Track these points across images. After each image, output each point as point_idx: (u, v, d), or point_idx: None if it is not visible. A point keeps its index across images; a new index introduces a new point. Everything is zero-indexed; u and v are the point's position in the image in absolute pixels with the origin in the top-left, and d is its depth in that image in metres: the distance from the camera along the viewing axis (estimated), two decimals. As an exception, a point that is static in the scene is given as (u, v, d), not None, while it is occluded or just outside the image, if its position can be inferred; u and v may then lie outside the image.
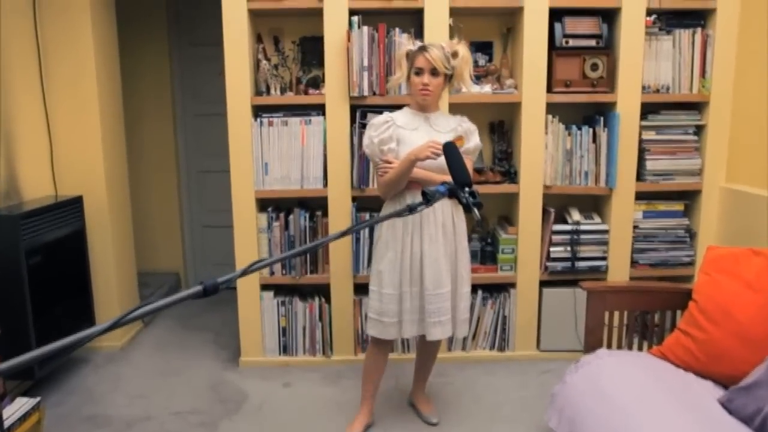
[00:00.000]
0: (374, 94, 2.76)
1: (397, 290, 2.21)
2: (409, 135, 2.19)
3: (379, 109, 2.71)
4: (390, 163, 2.15)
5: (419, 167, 2.14)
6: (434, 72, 2.15)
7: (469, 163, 2.24)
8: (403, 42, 2.36)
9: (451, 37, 2.67)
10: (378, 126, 2.21)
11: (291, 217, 2.87)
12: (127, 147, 3.40)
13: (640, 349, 2.28)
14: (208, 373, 2.94)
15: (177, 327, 3.55)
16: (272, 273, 2.90)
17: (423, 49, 2.16)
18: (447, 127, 2.24)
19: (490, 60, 2.97)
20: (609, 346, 2.18)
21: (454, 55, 2.18)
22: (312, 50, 2.89)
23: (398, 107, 2.42)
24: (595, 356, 2.02)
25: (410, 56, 2.20)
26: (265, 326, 2.95)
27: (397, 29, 2.73)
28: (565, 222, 2.92)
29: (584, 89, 2.80)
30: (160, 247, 4.16)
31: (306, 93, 2.84)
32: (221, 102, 2.78)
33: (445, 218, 2.21)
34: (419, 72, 2.15)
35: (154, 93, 4.04)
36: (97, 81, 2.97)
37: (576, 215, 2.92)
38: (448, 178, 2.13)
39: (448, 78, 2.20)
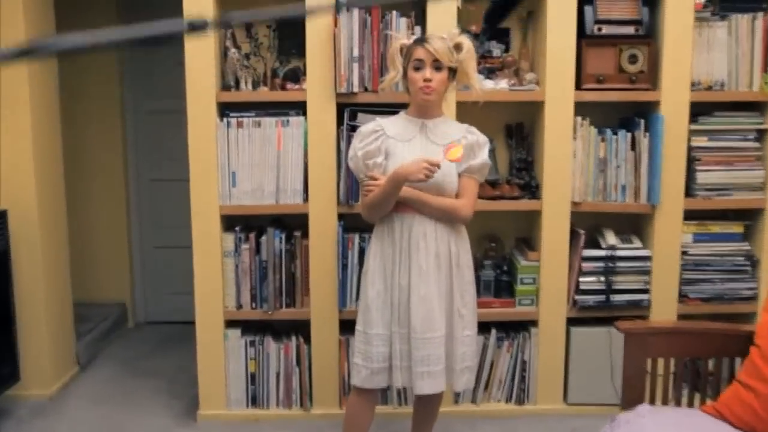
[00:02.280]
0: (366, 90, 2.76)
1: (387, 329, 2.24)
2: (401, 147, 2.21)
3: (371, 109, 2.73)
4: (376, 180, 2.19)
5: (410, 185, 2.17)
6: (437, 65, 2.17)
7: (473, 185, 2.28)
8: (397, 35, 2.39)
9: (459, 22, 2.70)
10: (364, 136, 2.25)
11: (263, 238, 2.88)
12: (64, 150, 3.39)
13: (690, 404, 2.26)
14: (158, 430, 2.91)
15: (121, 372, 3.53)
16: (239, 306, 2.89)
17: (422, 39, 2.19)
18: (448, 137, 2.25)
19: (507, 50, 2.99)
20: (652, 401, 2.16)
21: (457, 47, 2.21)
22: (291, 37, 2.89)
23: (395, 107, 2.45)
24: (634, 413, 2.00)
25: (406, 51, 2.22)
26: (229, 372, 2.94)
27: (394, 13, 2.75)
28: (598, 246, 2.93)
29: (621, 86, 2.81)
30: (102, 272, 4.16)
31: (283, 88, 2.85)
32: (181, 97, 2.80)
33: (440, 246, 2.23)
34: (419, 66, 2.17)
35: (99, 85, 4.05)
36: (27, 70, 2.97)
37: (611, 238, 2.93)
38: (448, 200, 2.18)
39: (452, 74, 2.23)
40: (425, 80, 2.16)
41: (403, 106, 2.38)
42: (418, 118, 2.27)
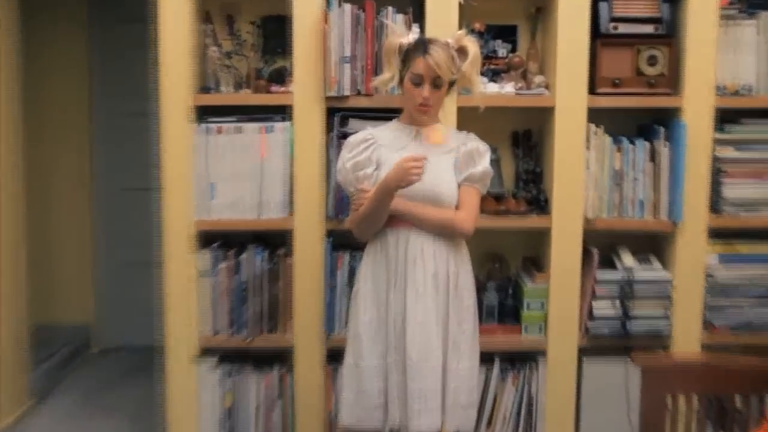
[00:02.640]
0: (358, 93, 2.76)
1: (382, 360, 2.24)
2: (394, 157, 2.21)
3: (364, 114, 2.72)
4: (367, 192, 2.21)
5: (405, 196, 2.18)
6: (437, 83, 2.19)
7: (474, 196, 2.30)
8: (395, 29, 2.40)
9: (461, 19, 2.70)
10: (354, 146, 2.27)
11: (243, 256, 2.86)
12: (24, 154, 3.37)
13: (716, 446, 2.24)
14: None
15: (81, 405, 3.48)
16: (215, 332, 2.86)
17: (423, 49, 2.18)
18: (444, 146, 2.27)
19: (514, 50, 2.99)
20: (674, 442, 2.13)
21: (461, 51, 2.22)
22: (276, 34, 2.90)
23: (390, 112, 2.44)
24: (654, 457, 1.98)
25: (405, 53, 2.23)
26: (202, 406, 2.90)
27: (389, 9, 2.74)
28: (614, 268, 2.91)
29: (639, 90, 2.81)
30: (64, 291, 4.17)
31: (268, 90, 2.84)
32: (155, 98, 2.80)
33: (439, 266, 2.24)
34: (417, 81, 2.19)
35: (66, 84, 4.06)
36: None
37: (628, 259, 2.91)
38: (446, 213, 2.22)
39: (452, 83, 2.26)
40: (424, 98, 2.19)
41: (400, 111, 2.39)
42: (412, 126, 2.29)
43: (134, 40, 3.94)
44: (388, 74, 2.26)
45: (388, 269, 2.23)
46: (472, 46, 2.22)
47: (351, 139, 2.30)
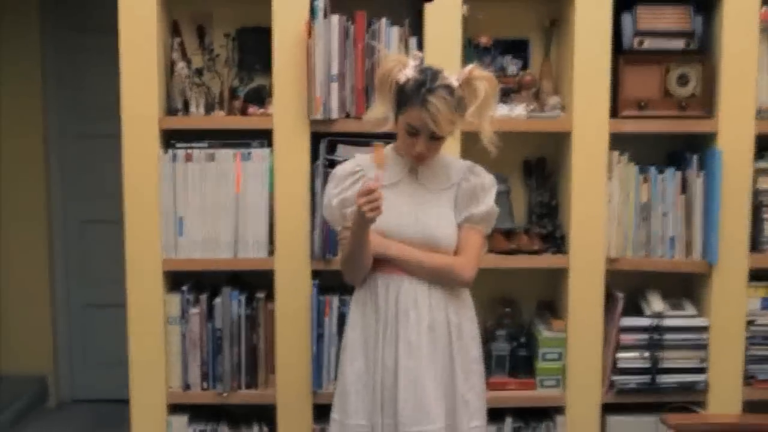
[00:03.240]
0: (347, 116, 2.76)
1: (369, 420, 2.24)
2: (386, 193, 2.17)
3: (355, 140, 2.72)
4: None
5: (397, 238, 2.20)
6: (435, 136, 2.17)
7: (476, 238, 2.29)
8: (386, 53, 2.41)
9: (465, 32, 2.71)
10: (340, 179, 2.28)
11: (218, 300, 2.86)
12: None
13: None
14: None
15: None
16: (186, 387, 2.86)
17: (421, 98, 2.11)
18: (444, 182, 2.28)
19: (525, 67, 2.98)
20: None
21: (468, 86, 2.17)
22: (255, 48, 2.90)
23: (384, 138, 2.41)
24: None
25: (400, 92, 2.18)
26: (172, 471, 2.87)
27: (383, 20, 2.74)
28: (641, 314, 2.92)
29: (668, 113, 2.82)
30: (18, 337, 4.13)
31: (244, 112, 2.85)
32: (118, 118, 2.80)
33: (436, 315, 2.24)
34: (413, 132, 2.17)
35: (17, 100, 4.04)
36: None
37: (657, 303, 2.91)
38: (443, 259, 2.23)
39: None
40: (418, 152, 2.18)
41: (395, 136, 2.36)
42: (408, 158, 2.27)
43: (94, 49, 3.98)
44: (381, 112, 2.25)
45: (378, 319, 2.23)
46: (483, 84, 2.17)
47: (337, 170, 2.31)
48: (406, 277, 2.22)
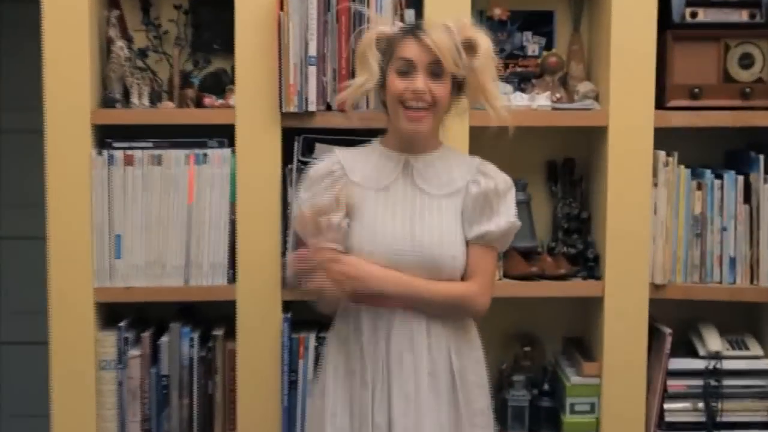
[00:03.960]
0: (329, 108, 2.77)
1: None
2: (372, 200, 2.22)
3: (337, 138, 2.73)
4: (330, 252, 2.17)
5: (385, 260, 2.18)
6: (436, 71, 2.16)
7: (491, 259, 2.29)
8: (374, 16, 2.45)
9: (475, 3, 2.72)
10: (314, 181, 2.29)
11: (164, 339, 2.84)
12: None
13: None
14: None
15: None
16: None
17: (413, 29, 2.20)
18: (447, 184, 2.26)
19: (549, 47, 3.02)
20: None
21: (469, 47, 2.19)
22: (212, 24, 2.92)
23: (375, 135, 2.44)
24: None
25: (386, 43, 2.23)
26: None
27: None
28: (694, 354, 2.90)
29: (727, 103, 2.83)
30: None
31: (199, 104, 2.84)
32: (40, 110, 2.78)
33: (438, 361, 2.22)
34: (406, 69, 2.17)
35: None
36: None
37: (714, 341, 2.88)
38: (453, 288, 2.25)
39: (457, 88, 2.25)
40: (414, 93, 2.15)
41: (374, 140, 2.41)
42: (400, 153, 2.27)
43: (14, 22, 4.03)
44: (363, 77, 2.25)
45: (364, 365, 2.20)
46: (482, 38, 2.20)
47: (311, 171, 2.31)
48: (397, 310, 2.19)
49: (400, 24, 2.29)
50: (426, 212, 2.21)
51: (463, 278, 2.24)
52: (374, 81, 2.24)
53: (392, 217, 2.21)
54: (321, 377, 2.33)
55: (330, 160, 2.31)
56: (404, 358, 2.18)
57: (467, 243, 2.24)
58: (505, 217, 2.24)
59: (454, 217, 2.25)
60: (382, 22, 2.30)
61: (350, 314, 2.25)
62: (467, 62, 2.19)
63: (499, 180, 2.27)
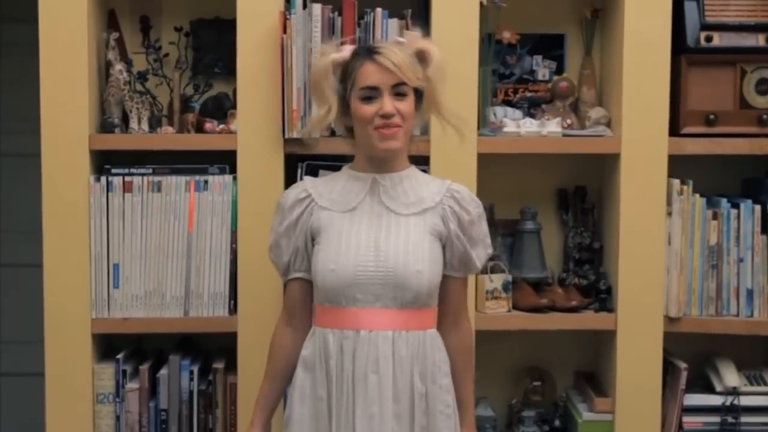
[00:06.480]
0: (333, 134, 2.75)
1: None
2: (338, 222, 2.23)
3: (342, 164, 2.66)
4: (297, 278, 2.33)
5: (351, 280, 2.18)
6: (400, 91, 2.17)
7: (466, 287, 2.35)
8: (325, 50, 2.39)
9: (483, 25, 2.73)
10: (285, 210, 2.30)
11: (163, 371, 2.82)
12: None
13: None
14: None
15: None
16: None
17: (368, 51, 2.20)
18: (415, 203, 2.26)
19: (560, 71, 3.02)
20: None
21: (421, 57, 2.22)
22: (214, 47, 2.93)
23: None
24: None
25: (342, 70, 2.25)
26: None
27: (378, 11, 2.75)
28: (711, 389, 2.88)
29: (743, 129, 2.82)
30: None
31: (200, 129, 2.84)
32: (37, 134, 2.79)
33: (400, 384, 2.19)
34: (370, 95, 2.18)
35: None
36: None
37: (731, 376, 2.87)
38: (467, 351, 2.35)
39: (418, 99, 2.26)
40: (383, 117, 2.15)
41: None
42: (368, 173, 2.28)
43: (12, 44, 4.04)
44: (324, 109, 2.26)
45: (330, 387, 2.20)
46: (435, 49, 2.23)
47: (281, 199, 2.34)
48: (362, 332, 2.18)
49: (350, 47, 2.29)
50: (393, 228, 2.21)
51: (440, 305, 2.26)
52: (335, 111, 2.25)
53: (357, 234, 2.21)
54: (289, 406, 2.31)
55: (299, 188, 2.33)
56: (368, 379, 2.16)
57: (444, 276, 2.27)
58: (482, 249, 2.30)
59: (422, 234, 2.24)
60: (332, 50, 2.29)
61: (317, 339, 2.24)
62: (425, 72, 2.22)
63: (471, 205, 2.29)
